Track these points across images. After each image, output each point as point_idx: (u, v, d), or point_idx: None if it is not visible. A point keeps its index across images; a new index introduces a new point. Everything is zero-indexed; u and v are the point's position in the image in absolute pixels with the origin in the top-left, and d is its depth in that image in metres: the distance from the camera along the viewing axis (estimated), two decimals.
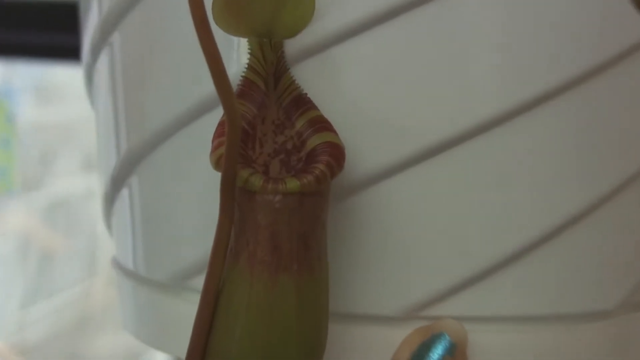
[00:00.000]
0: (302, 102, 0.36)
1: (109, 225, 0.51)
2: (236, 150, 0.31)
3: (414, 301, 0.39)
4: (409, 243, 0.39)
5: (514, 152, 0.38)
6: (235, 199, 0.33)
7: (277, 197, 0.32)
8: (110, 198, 0.47)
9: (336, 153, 0.34)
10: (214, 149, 0.33)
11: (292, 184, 0.33)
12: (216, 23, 0.35)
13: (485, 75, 0.37)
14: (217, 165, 0.33)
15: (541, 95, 0.38)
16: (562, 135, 0.39)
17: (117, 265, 0.49)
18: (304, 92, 0.36)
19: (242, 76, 0.36)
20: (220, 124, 0.34)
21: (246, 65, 0.36)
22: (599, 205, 0.40)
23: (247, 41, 0.36)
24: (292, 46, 0.37)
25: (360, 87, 0.37)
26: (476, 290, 0.39)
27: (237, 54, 0.38)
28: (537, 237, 0.39)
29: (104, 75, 0.46)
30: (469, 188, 0.38)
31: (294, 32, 0.36)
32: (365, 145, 0.38)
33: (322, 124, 0.35)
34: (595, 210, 0.40)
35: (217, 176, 0.34)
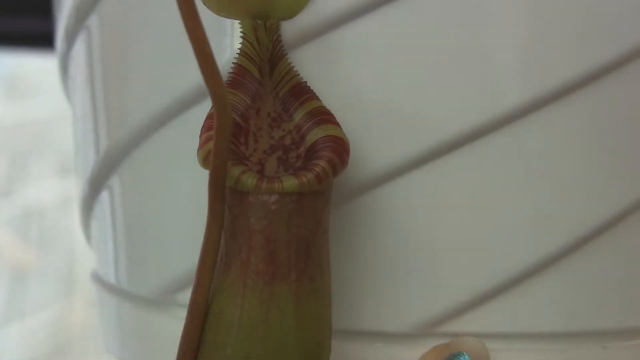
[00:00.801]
0: (301, 92, 0.37)
1: (87, 235, 0.51)
2: (226, 146, 0.32)
3: (431, 316, 0.40)
4: (424, 251, 0.39)
5: (541, 149, 0.39)
6: (225, 201, 0.34)
7: (272, 197, 0.33)
8: (89, 203, 0.48)
9: (339, 148, 0.35)
10: (202, 144, 0.34)
11: (290, 182, 0.33)
12: (204, 3, 0.36)
13: (507, 63, 0.38)
14: (205, 162, 0.34)
15: (570, 84, 0.39)
16: (594, 130, 0.40)
17: (98, 279, 0.50)
18: (304, 80, 0.37)
19: (234, 63, 0.37)
20: (209, 117, 0.35)
21: (239, 51, 0.37)
22: (632, 211, 0.41)
23: (240, 23, 0.37)
24: (290, 29, 0.38)
25: (366, 75, 0.38)
26: (499, 304, 0.40)
27: (230, 38, 0.39)
28: (567, 245, 0.40)
29: (81, 64, 0.46)
30: (491, 188, 0.39)
31: (291, 13, 0.37)
32: (373, 140, 0.39)
33: (323, 116, 0.36)
34: (627, 217, 0.41)
35: (206, 175, 0.34)
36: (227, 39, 0.39)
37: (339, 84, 0.38)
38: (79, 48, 0.46)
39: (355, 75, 0.38)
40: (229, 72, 0.37)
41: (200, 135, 0.35)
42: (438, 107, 0.38)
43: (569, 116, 0.39)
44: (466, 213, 0.39)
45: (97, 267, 0.51)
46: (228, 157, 0.33)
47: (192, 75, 0.39)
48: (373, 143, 0.39)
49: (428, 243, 0.39)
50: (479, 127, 0.38)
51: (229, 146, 0.32)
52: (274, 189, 0.33)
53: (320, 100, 0.37)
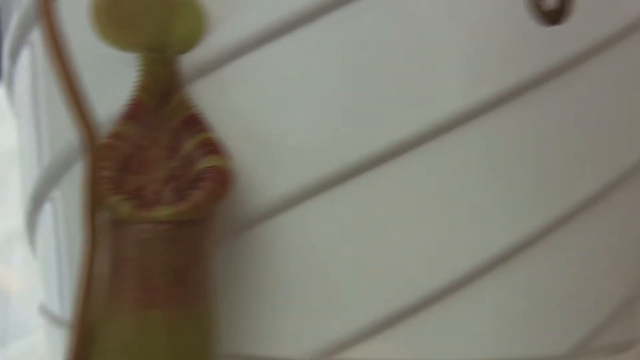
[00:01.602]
0: (194, 123, 0.39)
1: (34, 254, 0.52)
2: (95, 174, 0.34)
3: (326, 344, 0.41)
4: (319, 279, 0.41)
5: (442, 174, 0.41)
6: (96, 226, 0.36)
7: (146, 226, 0.36)
8: (33, 219, 0.49)
9: (220, 179, 0.37)
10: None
11: (164, 211, 0.36)
12: (100, 37, 0.39)
13: (405, 90, 0.40)
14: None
15: (478, 108, 0.40)
16: (504, 153, 0.41)
17: (44, 310, 0.51)
18: (198, 112, 0.39)
19: (131, 94, 0.39)
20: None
21: (137, 83, 0.39)
22: (539, 237, 0.42)
23: (138, 57, 0.39)
24: (186, 62, 0.40)
25: (260, 107, 0.40)
26: (399, 332, 0.42)
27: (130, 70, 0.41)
28: (468, 273, 0.41)
29: (25, 79, 0.48)
30: (388, 215, 0.41)
31: (187, 47, 0.40)
32: (269, 171, 0.40)
33: (211, 147, 0.38)
34: (534, 243, 0.42)
35: None
36: (128, 70, 0.41)
37: (233, 115, 0.40)
38: (23, 63, 0.48)
39: (249, 107, 0.40)
40: (127, 104, 0.39)
41: None
42: (332, 137, 0.40)
43: (476, 139, 0.41)
44: (363, 240, 0.41)
45: (43, 297, 0.51)
46: (100, 185, 0.35)
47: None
48: (269, 173, 0.40)
49: (321, 271, 0.41)
50: (368, 156, 0.40)
51: (99, 174, 0.35)
52: (148, 218, 0.36)
53: (213, 131, 0.39)
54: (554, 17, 0.32)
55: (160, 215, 0.35)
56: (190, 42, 0.39)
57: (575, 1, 0.33)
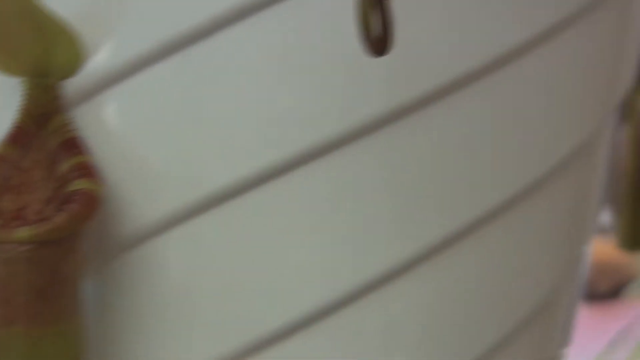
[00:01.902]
0: (71, 146, 0.41)
1: None
2: None
3: (220, 357, 0.43)
4: (193, 301, 0.43)
5: (317, 198, 0.42)
6: None
7: (7, 246, 0.38)
8: None
9: (86, 201, 0.39)
10: None
11: (25, 232, 0.38)
12: None
13: (270, 116, 0.41)
14: None
15: (349, 134, 0.42)
16: (380, 177, 0.43)
17: None
18: (77, 135, 0.42)
19: (16, 118, 0.42)
20: None
21: (20, 107, 0.42)
22: (419, 260, 0.44)
23: (21, 81, 0.42)
24: (68, 87, 0.43)
25: (137, 132, 0.42)
26: (286, 347, 0.43)
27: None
28: (349, 293, 0.43)
29: None
30: (271, 233, 0.42)
31: (68, 73, 0.42)
32: (142, 196, 0.42)
33: (84, 170, 0.41)
34: (413, 266, 0.44)
35: None
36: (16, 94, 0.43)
37: (111, 139, 0.42)
38: None
39: (127, 131, 0.42)
40: (11, 127, 0.42)
41: None
42: (208, 159, 0.42)
43: (349, 165, 0.42)
44: (236, 262, 0.43)
45: None
46: None
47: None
48: (145, 197, 0.42)
49: (199, 293, 0.43)
50: (247, 178, 0.42)
51: None
52: (9, 238, 0.38)
53: (88, 155, 0.41)
54: (379, 47, 0.33)
55: (21, 236, 0.38)
56: (70, 68, 0.41)
57: (395, 31, 0.34)
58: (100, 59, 0.42)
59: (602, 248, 1.00)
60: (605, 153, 0.48)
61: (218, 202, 0.42)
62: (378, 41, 0.34)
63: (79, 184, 0.40)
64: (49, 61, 0.41)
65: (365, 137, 0.41)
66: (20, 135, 0.41)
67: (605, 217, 0.59)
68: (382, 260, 0.43)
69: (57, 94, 0.42)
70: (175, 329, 0.43)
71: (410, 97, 0.41)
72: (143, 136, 0.42)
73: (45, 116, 0.41)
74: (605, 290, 1.14)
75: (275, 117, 0.41)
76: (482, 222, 0.43)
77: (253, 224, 0.42)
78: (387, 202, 0.42)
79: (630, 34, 0.47)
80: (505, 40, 0.41)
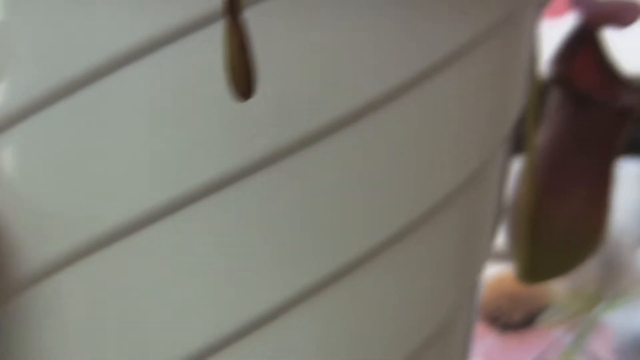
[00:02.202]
0: None
1: None
2: None
3: None
4: (93, 338, 0.43)
5: (201, 238, 0.42)
6: None
7: None
8: None
9: None
10: None
11: None
12: None
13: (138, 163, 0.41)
14: None
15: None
16: (265, 213, 0.42)
17: None
18: None
19: None
20: None
21: None
22: (311, 293, 0.43)
23: None
24: None
25: (29, 174, 0.42)
26: None
27: None
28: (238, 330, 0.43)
29: None
30: (149, 278, 0.42)
31: None
32: (33, 237, 0.42)
33: None
34: (309, 298, 0.43)
35: None
36: None
37: (4, 181, 0.42)
38: None
39: (20, 173, 0.42)
40: None
41: None
42: (99, 199, 0.42)
43: (231, 206, 0.42)
44: (137, 296, 0.43)
45: None
46: None
47: None
48: (36, 239, 0.42)
49: (109, 325, 0.43)
50: (137, 219, 0.41)
51: None
52: None
53: None
54: (241, 89, 0.33)
55: None
56: None
57: (256, 75, 0.34)
58: None
59: (514, 278, 1.01)
60: (496, 183, 0.49)
61: (109, 241, 0.42)
62: (240, 84, 0.34)
63: None
64: None
65: (248, 179, 0.41)
66: None
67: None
68: (269, 297, 0.43)
69: None
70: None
71: (287, 140, 0.41)
72: (36, 177, 0.42)
73: None
74: (519, 320, 1.15)
75: (161, 159, 0.41)
76: (371, 256, 0.44)
77: (143, 263, 0.42)
78: (273, 238, 0.42)
79: (518, 64, 0.47)
80: (384, 79, 0.41)
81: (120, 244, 0.42)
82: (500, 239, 0.54)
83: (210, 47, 0.36)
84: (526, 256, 0.54)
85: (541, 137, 0.55)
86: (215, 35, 0.35)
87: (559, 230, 0.54)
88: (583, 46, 0.54)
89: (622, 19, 0.53)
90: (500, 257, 0.57)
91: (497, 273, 1.06)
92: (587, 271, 1.06)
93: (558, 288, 1.13)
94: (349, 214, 0.42)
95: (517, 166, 0.54)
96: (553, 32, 0.56)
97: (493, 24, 0.43)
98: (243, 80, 0.33)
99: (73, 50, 0.40)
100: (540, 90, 0.53)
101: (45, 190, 0.42)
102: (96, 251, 0.42)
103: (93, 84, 0.40)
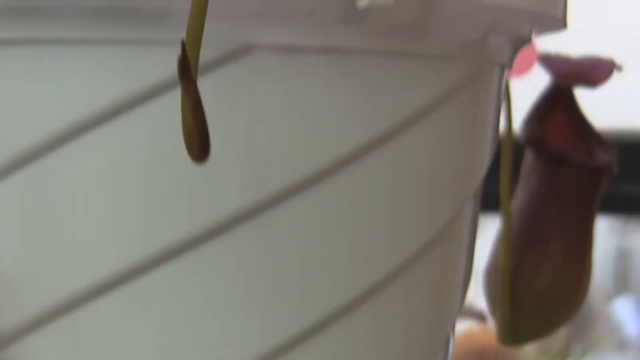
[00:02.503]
0: None
1: None
2: None
3: None
4: None
5: (168, 300, 0.42)
6: None
7: None
8: None
9: None
10: None
11: None
12: None
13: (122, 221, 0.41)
14: None
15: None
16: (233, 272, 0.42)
17: None
18: None
19: None
20: None
21: None
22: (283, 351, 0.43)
23: None
24: None
25: None
26: None
27: None
28: None
29: None
30: (118, 339, 0.42)
31: None
32: (5, 299, 0.41)
33: None
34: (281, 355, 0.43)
35: None
36: None
37: None
38: None
39: None
40: None
41: None
42: (64, 263, 0.41)
43: (199, 266, 0.42)
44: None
45: None
46: None
47: None
48: (11, 299, 0.41)
49: None
50: (101, 282, 0.41)
51: None
52: None
53: None
54: (195, 152, 0.34)
55: None
56: None
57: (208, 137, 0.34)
58: None
59: (485, 335, 1.01)
60: (467, 237, 0.49)
61: (78, 304, 0.41)
62: (193, 146, 0.34)
63: None
64: None
65: (215, 239, 0.41)
66: None
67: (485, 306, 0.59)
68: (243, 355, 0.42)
69: None
70: None
71: (254, 201, 0.41)
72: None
73: None
74: None
75: (126, 223, 0.41)
76: (341, 313, 0.44)
77: (113, 324, 0.42)
78: (240, 297, 0.42)
79: (484, 121, 0.48)
80: (351, 137, 0.42)
81: (89, 306, 0.41)
82: (470, 295, 0.54)
83: (174, 111, 0.36)
84: (507, 318, 0.54)
85: (517, 196, 0.56)
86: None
87: (540, 290, 0.54)
88: (555, 106, 0.55)
89: (594, 78, 0.53)
90: (469, 313, 0.57)
91: (466, 329, 1.07)
92: None
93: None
94: (319, 272, 0.42)
95: (494, 225, 0.54)
96: (521, 88, 0.57)
97: (457, 84, 0.44)
98: (196, 142, 0.33)
99: (36, 117, 0.40)
100: (512, 150, 0.53)
101: (11, 254, 0.42)
102: (66, 314, 0.41)
103: (55, 150, 0.40)
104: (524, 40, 0.48)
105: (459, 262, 0.49)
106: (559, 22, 0.47)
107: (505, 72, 0.49)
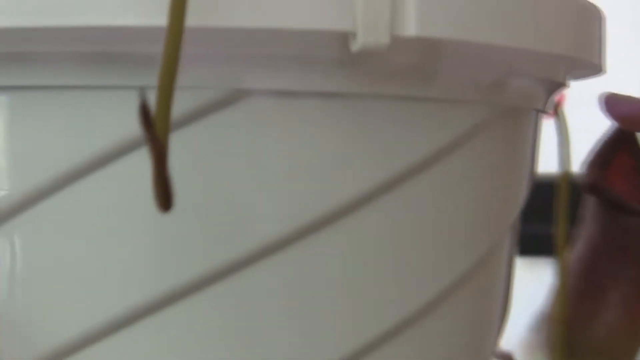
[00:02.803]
0: None
1: None
2: None
3: None
4: None
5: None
6: None
7: None
8: None
9: None
10: None
11: None
12: None
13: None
14: None
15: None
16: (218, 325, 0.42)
17: None
18: None
19: None
20: None
21: None
22: None
23: None
24: None
25: None
26: None
27: None
28: None
29: None
30: None
31: None
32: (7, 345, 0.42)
33: None
34: None
35: None
36: None
37: None
38: None
39: None
40: None
41: None
42: (58, 311, 0.42)
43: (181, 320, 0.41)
44: None
45: None
46: None
47: None
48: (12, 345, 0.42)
49: None
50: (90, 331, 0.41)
51: None
52: None
53: None
54: (161, 203, 0.35)
55: None
56: None
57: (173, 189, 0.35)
58: None
59: None
60: (504, 272, 0.48)
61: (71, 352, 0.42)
62: (158, 198, 0.35)
63: None
64: None
65: (204, 291, 0.41)
66: None
67: None
68: None
69: None
70: None
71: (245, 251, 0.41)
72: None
73: None
74: None
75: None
76: (382, 341, 0.43)
77: None
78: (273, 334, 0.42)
79: (520, 155, 0.47)
80: (356, 181, 0.42)
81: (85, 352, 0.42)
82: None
83: (145, 167, 0.37)
84: None
85: (577, 243, 0.55)
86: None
87: (596, 339, 0.53)
88: (617, 151, 0.53)
89: None
90: (497, 354, 0.56)
91: None
92: None
93: None
94: (360, 302, 0.42)
95: (550, 271, 0.53)
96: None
97: (477, 125, 0.43)
98: (156, 190, 0.34)
99: (33, 161, 0.41)
100: (569, 195, 0.52)
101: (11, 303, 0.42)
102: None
103: (28, 208, 0.41)
104: (559, 84, 0.47)
105: (496, 297, 0.48)
106: (595, 67, 0.47)
107: (540, 115, 0.48)
